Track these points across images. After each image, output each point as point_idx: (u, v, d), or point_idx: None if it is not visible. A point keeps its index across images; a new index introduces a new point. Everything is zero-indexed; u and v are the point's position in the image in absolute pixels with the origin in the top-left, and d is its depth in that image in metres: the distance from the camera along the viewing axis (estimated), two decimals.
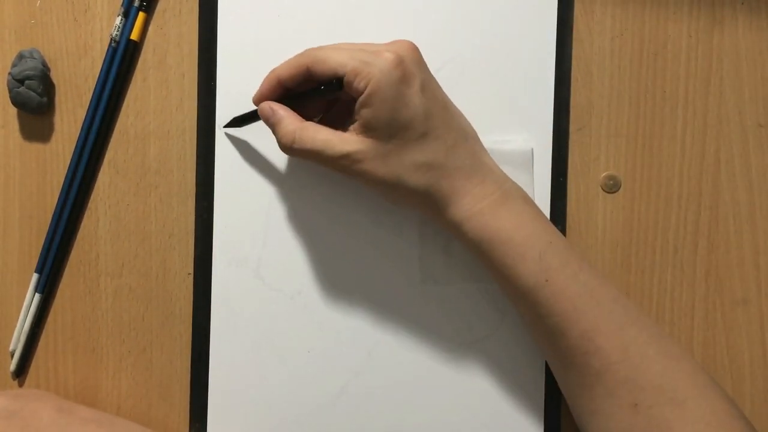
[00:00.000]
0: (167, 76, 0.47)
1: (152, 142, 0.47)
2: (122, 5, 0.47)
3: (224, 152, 0.47)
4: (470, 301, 0.46)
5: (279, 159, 0.47)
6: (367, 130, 0.39)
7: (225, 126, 0.46)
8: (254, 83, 0.46)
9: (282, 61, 0.46)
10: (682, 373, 0.39)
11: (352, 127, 0.40)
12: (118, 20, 0.46)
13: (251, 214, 0.47)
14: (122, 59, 0.46)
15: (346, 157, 0.39)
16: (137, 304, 0.47)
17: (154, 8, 0.47)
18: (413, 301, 0.46)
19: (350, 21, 0.46)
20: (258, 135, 0.46)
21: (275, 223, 0.47)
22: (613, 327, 0.39)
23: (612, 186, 0.47)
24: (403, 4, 0.46)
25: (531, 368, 0.46)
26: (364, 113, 0.39)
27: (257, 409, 0.47)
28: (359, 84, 0.38)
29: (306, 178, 0.47)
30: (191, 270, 0.47)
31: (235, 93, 0.47)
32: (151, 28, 0.47)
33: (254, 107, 0.44)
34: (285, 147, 0.41)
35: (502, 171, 0.42)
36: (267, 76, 0.42)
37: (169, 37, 0.47)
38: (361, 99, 0.39)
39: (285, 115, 0.41)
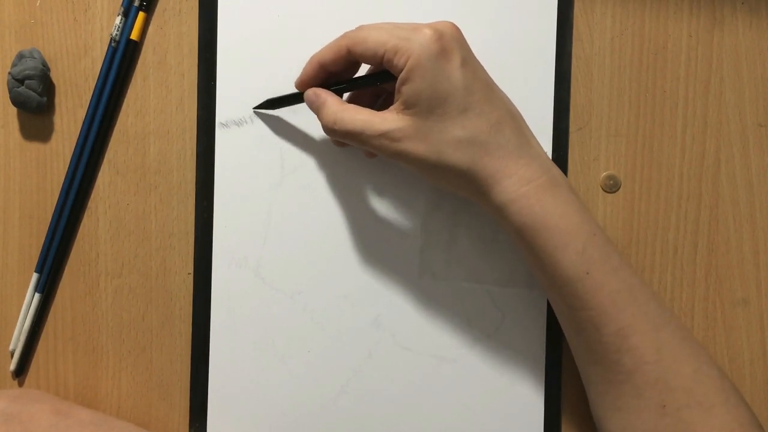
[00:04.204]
0: (167, 76, 0.47)
1: (152, 142, 0.47)
2: (122, 5, 0.47)
3: (224, 152, 0.47)
4: (471, 301, 0.46)
5: (279, 159, 0.47)
6: (407, 106, 0.39)
7: (256, 107, 0.46)
8: (254, 83, 0.46)
9: (280, 61, 0.46)
10: (711, 378, 0.39)
11: (392, 107, 0.40)
12: (118, 20, 0.46)
13: (251, 214, 0.47)
14: (122, 59, 0.46)
15: (385, 135, 0.39)
16: (137, 304, 0.47)
17: (154, 8, 0.47)
18: (414, 301, 0.46)
19: (350, 21, 0.46)
20: (258, 134, 0.46)
21: (275, 223, 0.47)
22: (649, 327, 0.39)
23: (612, 186, 0.47)
24: (402, 5, 0.46)
25: (531, 368, 0.46)
26: (404, 90, 0.39)
27: (257, 409, 0.47)
28: (399, 60, 0.38)
29: (306, 178, 0.47)
30: (191, 270, 0.47)
31: (235, 93, 0.47)
32: (151, 28, 0.47)
33: (285, 92, 0.45)
34: (327, 129, 0.41)
35: (547, 156, 0.41)
36: (308, 61, 0.42)
37: (169, 37, 0.47)
38: (401, 75, 0.38)
39: (328, 98, 0.41)
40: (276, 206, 0.47)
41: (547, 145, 0.46)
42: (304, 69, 0.43)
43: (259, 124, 0.47)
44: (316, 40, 0.43)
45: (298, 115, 0.46)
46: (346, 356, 0.46)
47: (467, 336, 0.46)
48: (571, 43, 0.46)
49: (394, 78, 0.40)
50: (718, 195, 0.46)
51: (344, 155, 0.46)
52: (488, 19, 0.46)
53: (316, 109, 0.42)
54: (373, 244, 0.46)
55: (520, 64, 0.46)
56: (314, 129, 0.46)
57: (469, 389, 0.46)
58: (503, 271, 0.46)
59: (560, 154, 0.46)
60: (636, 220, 0.47)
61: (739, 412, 0.38)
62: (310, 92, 0.42)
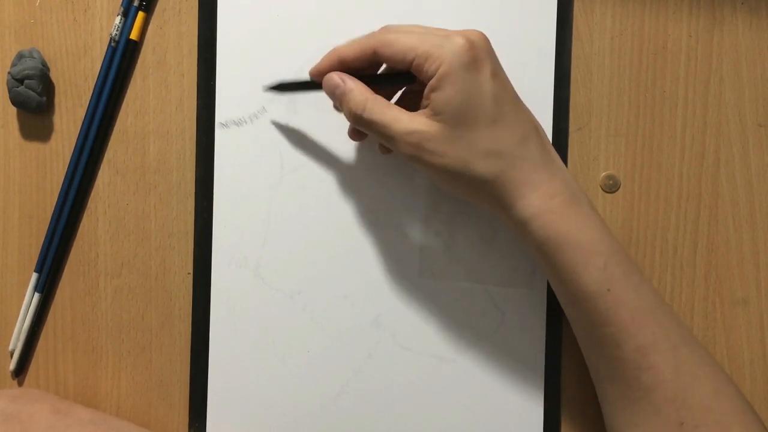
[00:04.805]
0: (167, 75, 0.47)
1: (152, 142, 0.47)
2: (122, 5, 0.47)
3: (224, 152, 0.47)
4: (471, 301, 0.46)
5: (279, 159, 0.47)
6: (437, 113, 0.38)
7: (267, 86, 0.45)
8: (254, 83, 0.46)
9: (280, 61, 0.46)
10: (729, 396, 0.39)
11: (421, 111, 0.39)
12: (117, 20, 0.46)
13: (251, 214, 0.47)
14: (122, 59, 0.46)
15: (413, 133, 0.39)
16: (137, 304, 0.47)
17: (154, 8, 0.47)
18: (414, 301, 0.46)
19: (350, 21, 0.46)
20: (258, 134, 0.46)
21: (275, 223, 0.47)
22: (668, 345, 0.39)
23: (611, 186, 0.47)
24: (402, 5, 0.46)
25: (531, 368, 0.46)
26: (434, 97, 0.38)
27: (257, 409, 0.47)
28: (430, 67, 0.38)
29: (306, 178, 0.47)
30: (191, 270, 0.47)
31: (234, 93, 0.47)
32: (150, 28, 0.47)
33: (297, 79, 0.44)
34: (354, 115, 0.40)
35: (568, 171, 0.41)
36: (327, 54, 0.41)
37: (168, 37, 0.47)
38: (431, 82, 0.38)
39: (356, 85, 0.40)
40: (276, 206, 0.47)
41: None
42: (322, 59, 0.42)
43: (259, 124, 0.47)
44: (316, 40, 0.43)
45: (299, 115, 0.46)
46: (346, 356, 0.46)
47: (467, 336, 0.46)
48: (570, 42, 0.46)
49: (412, 81, 0.40)
50: (718, 195, 0.46)
51: (344, 155, 0.46)
52: (488, 19, 0.46)
53: (342, 93, 0.41)
54: (373, 244, 0.46)
55: (520, 64, 0.46)
56: (314, 129, 0.46)
57: (469, 389, 0.46)
58: (503, 271, 0.46)
59: (560, 154, 0.46)
60: (636, 220, 0.47)
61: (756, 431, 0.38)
62: (334, 76, 0.41)
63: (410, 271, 0.46)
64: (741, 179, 0.46)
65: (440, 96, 0.38)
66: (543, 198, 0.39)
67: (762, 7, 0.46)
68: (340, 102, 0.41)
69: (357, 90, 0.40)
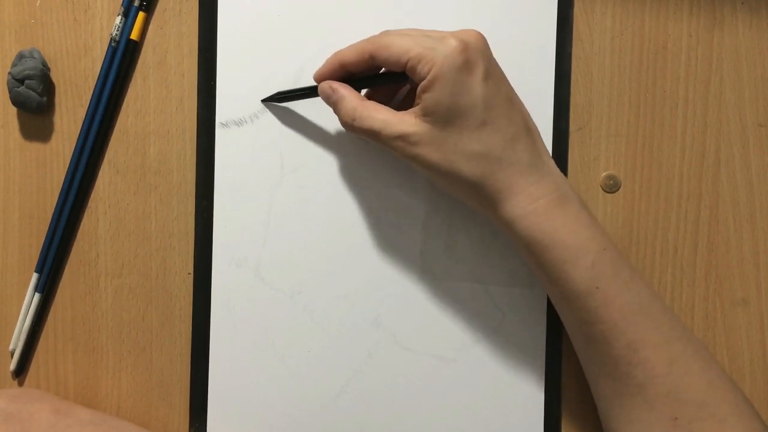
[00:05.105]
0: (167, 76, 0.47)
1: (152, 142, 0.47)
2: (122, 5, 0.47)
3: (224, 152, 0.47)
4: (471, 301, 0.46)
5: (279, 159, 0.47)
6: (426, 113, 0.39)
7: (265, 99, 0.46)
8: (254, 83, 0.46)
9: (280, 61, 0.46)
10: (723, 390, 0.39)
11: (412, 110, 0.40)
12: (118, 20, 0.46)
13: (251, 214, 0.47)
14: (122, 59, 0.46)
15: (402, 137, 0.39)
16: (137, 304, 0.47)
17: (154, 8, 0.47)
18: (414, 301, 0.46)
19: (349, 21, 0.46)
20: (258, 134, 0.46)
21: (275, 223, 0.47)
22: (661, 340, 0.39)
23: (612, 186, 0.47)
24: (402, 5, 0.46)
25: (531, 368, 0.46)
26: (425, 97, 0.39)
27: (257, 409, 0.47)
28: (422, 69, 0.38)
29: (306, 178, 0.47)
30: (191, 270, 0.47)
31: (235, 93, 0.47)
32: (151, 28, 0.47)
33: (296, 86, 0.45)
34: (345, 125, 0.42)
35: (560, 172, 0.41)
36: (329, 59, 0.42)
37: (169, 37, 0.47)
38: (422, 83, 0.39)
39: (346, 94, 0.41)
40: (276, 206, 0.47)
41: (547, 145, 0.46)
42: (324, 64, 0.43)
43: (259, 124, 0.47)
44: (316, 40, 0.43)
45: (299, 115, 0.46)
46: (346, 356, 0.46)
47: (467, 336, 0.46)
48: (571, 43, 0.46)
49: (406, 79, 0.40)
50: (718, 195, 0.46)
51: (344, 155, 0.46)
52: (489, 19, 0.46)
53: (333, 103, 0.42)
54: (373, 243, 0.46)
55: (520, 64, 0.46)
56: (314, 129, 0.46)
57: (469, 389, 0.46)
58: (503, 271, 0.46)
59: (560, 154, 0.46)
60: (636, 220, 0.47)
61: (753, 425, 0.38)
62: (326, 86, 0.42)
63: (410, 271, 0.46)
64: (741, 179, 0.46)
65: (430, 97, 0.38)
66: (528, 200, 0.39)
67: (762, 7, 0.46)
68: (334, 110, 0.42)
69: (347, 98, 0.41)
